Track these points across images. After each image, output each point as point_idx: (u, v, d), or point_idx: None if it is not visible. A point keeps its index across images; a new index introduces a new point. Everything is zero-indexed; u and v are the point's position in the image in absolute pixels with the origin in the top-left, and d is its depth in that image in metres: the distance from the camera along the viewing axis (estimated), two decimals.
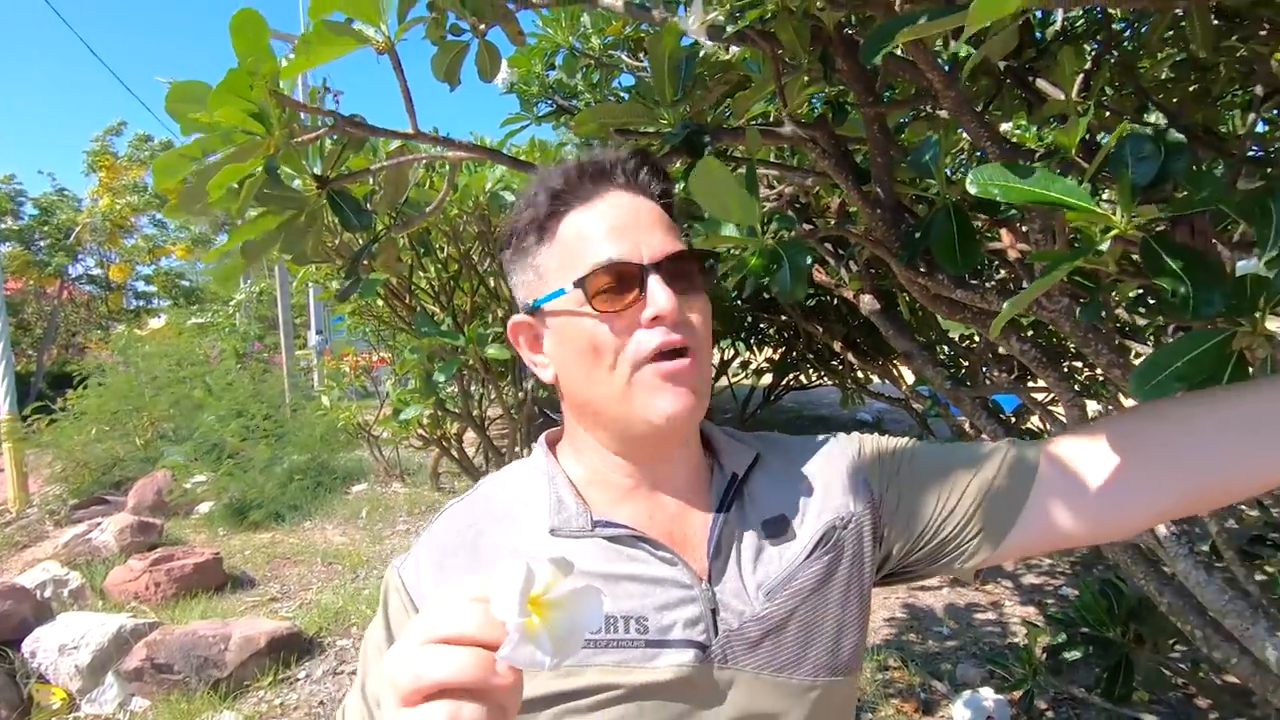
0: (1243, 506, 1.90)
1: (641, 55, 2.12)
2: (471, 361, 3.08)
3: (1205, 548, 1.42)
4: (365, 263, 1.68)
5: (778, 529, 0.73)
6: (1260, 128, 1.71)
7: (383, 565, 4.46)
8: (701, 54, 1.41)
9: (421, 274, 3.61)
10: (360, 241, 2.47)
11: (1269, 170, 1.63)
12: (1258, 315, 0.64)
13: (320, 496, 6.02)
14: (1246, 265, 0.97)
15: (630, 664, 0.64)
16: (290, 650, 3.31)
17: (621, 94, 2.43)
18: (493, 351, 2.88)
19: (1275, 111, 1.93)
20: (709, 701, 0.66)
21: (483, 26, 1.29)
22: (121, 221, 15.59)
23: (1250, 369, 0.67)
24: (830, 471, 0.78)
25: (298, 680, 3.20)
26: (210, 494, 5.99)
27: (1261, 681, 1.34)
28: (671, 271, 0.69)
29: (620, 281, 0.68)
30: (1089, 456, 0.69)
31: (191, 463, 6.47)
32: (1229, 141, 1.75)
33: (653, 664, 0.64)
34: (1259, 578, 1.41)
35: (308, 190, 1.31)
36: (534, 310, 0.74)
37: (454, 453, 4.63)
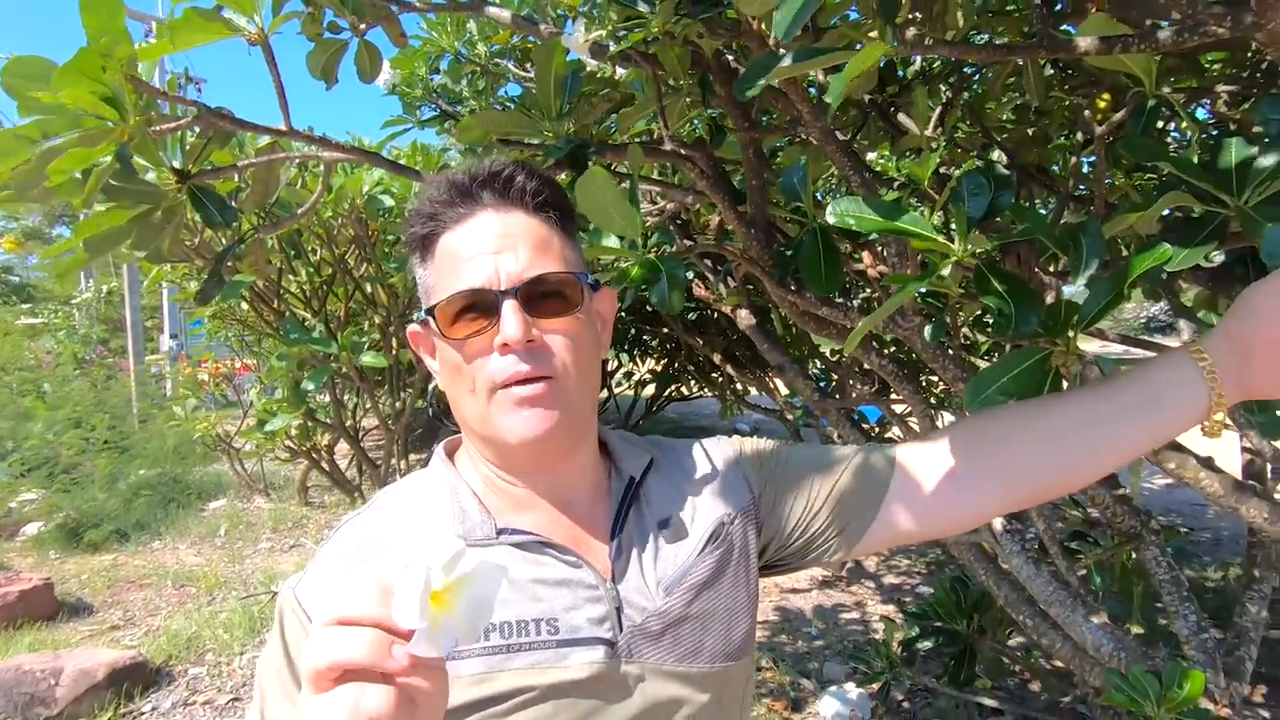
0: (1064, 506, 2.12)
1: (529, 66, 2.13)
2: (345, 370, 2.95)
3: (1035, 545, 1.58)
4: (229, 263, 1.59)
5: (672, 527, 0.78)
6: (1086, 168, 1.93)
7: (243, 587, 4.17)
8: (588, 70, 1.43)
9: (292, 277, 3.43)
10: (224, 241, 2.33)
11: (1089, 208, 1.84)
12: (1070, 335, 0.73)
13: (172, 514, 5.55)
14: (1070, 290, 1.09)
15: (544, 665, 0.66)
16: (134, 682, 3.04)
17: (508, 103, 2.42)
18: (368, 360, 2.78)
19: (1095, 156, 2.18)
20: (618, 695, 0.68)
21: (363, 26, 1.26)
22: None
23: (1065, 383, 0.76)
24: (715, 472, 0.84)
25: (143, 715, 2.94)
26: (40, 513, 5.39)
27: (1080, 663, 1.50)
28: (532, 294, 0.69)
29: (475, 309, 0.69)
30: (930, 462, 0.76)
31: (16, 479, 5.81)
32: (1058, 180, 1.96)
33: (565, 663, 0.67)
34: (1080, 572, 1.58)
35: (165, 184, 1.22)
36: (422, 322, 0.76)
37: (324, 465, 4.41)
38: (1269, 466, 1.42)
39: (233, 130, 1.13)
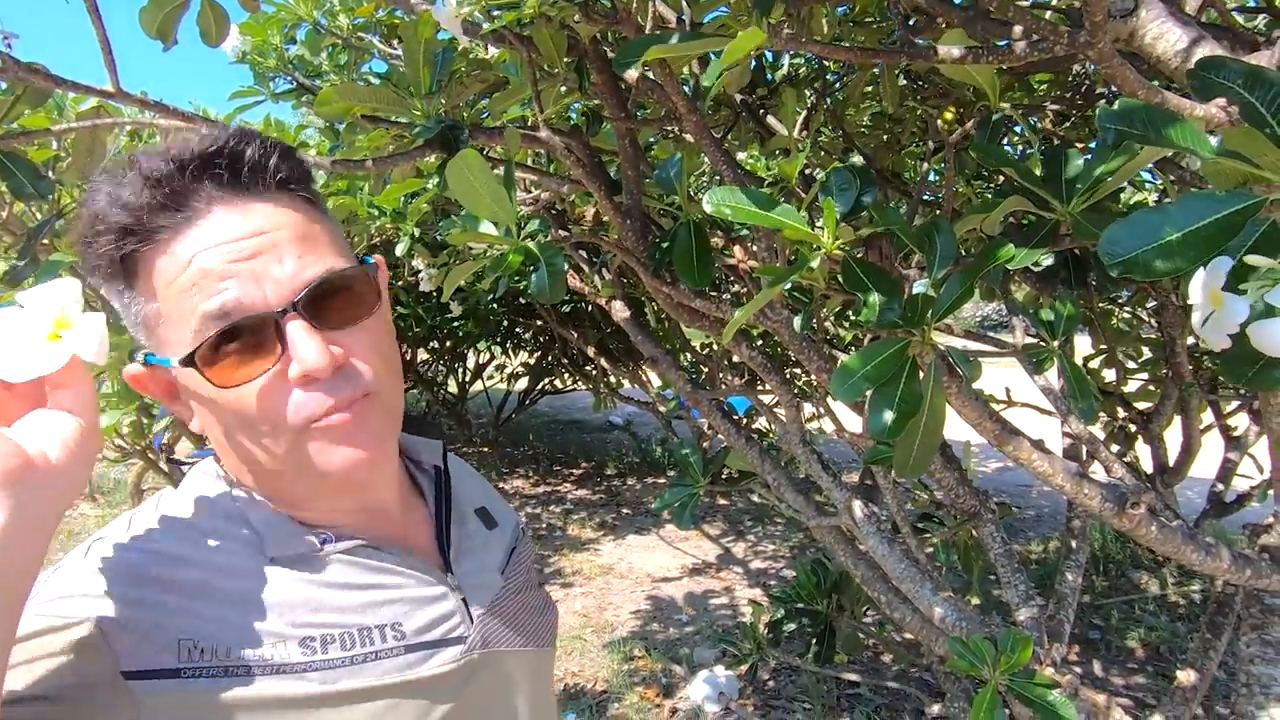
0: (914, 489, 2.28)
1: (395, 43, 2.03)
2: None
3: (889, 525, 1.69)
4: (45, 241, 1.41)
5: (485, 517, 0.77)
6: (932, 177, 2.07)
7: None
8: (460, 48, 1.38)
9: None
10: (39, 215, 2.08)
11: (937, 211, 1.98)
12: (926, 327, 0.77)
13: None
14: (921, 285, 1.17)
15: (394, 671, 0.60)
16: None
17: (372, 79, 2.30)
18: None
19: (943, 164, 2.35)
20: (469, 687, 0.65)
21: None
22: None
23: (921, 373, 0.80)
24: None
25: None
26: None
27: (927, 634, 1.62)
28: (316, 305, 0.55)
29: (246, 342, 0.54)
30: None
31: None
32: (910, 185, 2.09)
33: (417, 670, 0.62)
34: (928, 550, 1.70)
35: None
36: (148, 365, 0.58)
37: (163, 465, 4.03)
38: (1084, 449, 1.58)
39: (48, 88, 1.00)
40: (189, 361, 0.54)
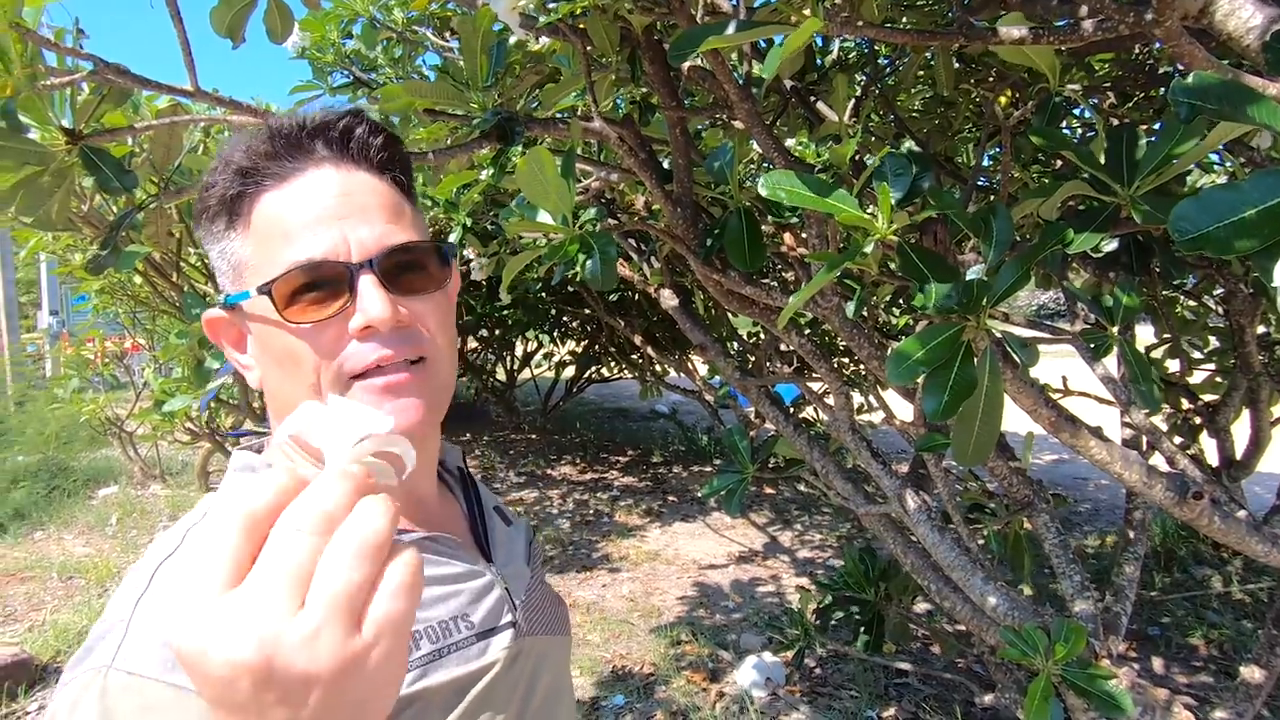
0: (965, 479, 2.25)
1: (448, 35, 2.07)
2: None
3: (939, 514, 1.67)
4: (124, 233, 1.49)
5: (501, 514, 0.80)
6: (986, 161, 2.03)
7: None
8: (514, 41, 1.41)
9: (192, 249, 3.23)
10: (116, 209, 2.17)
11: (991, 197, 1.94)
12: (981, 312, 0.77)
13: (56, 502, 5.18)
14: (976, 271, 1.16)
15: (471, 659, 0.64)
16: (17, 680, 2.84)
17: (426, 72, 2.35)
18: None
19: (997, 149, 2.30)
20: (527, 670, 0.69)
21: None
22: None
23: (975, 359, 0.80)
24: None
25: (28, 714, 2.75)
26: None
27: (978, 623, 1.60)
28: (391, 268, 0.58)
29: (321, 286, 0.57)
30: None
31: None
32: (963, 170, 2.06)
33: (486, 655, 0.65)
34: (979, 540, 1.68)
35: (54, 144, 1.13)
36: (229, 306, 0.63)
37: (228, 448, 4.20)
38: (1145, 440, 1.55)
39: (131, 87, 1.06)
40: (265, 290, 0.57)
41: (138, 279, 3.56)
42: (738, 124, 1.64)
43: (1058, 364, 2.20)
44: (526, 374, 7.87)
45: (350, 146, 0.61)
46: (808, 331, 2.12)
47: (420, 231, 0.64)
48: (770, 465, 2.01)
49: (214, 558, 0.35)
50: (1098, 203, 0.89)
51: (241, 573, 0.35)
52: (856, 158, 1.56)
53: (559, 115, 1.55)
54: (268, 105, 3.18)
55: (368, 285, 0.57)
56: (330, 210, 0.58)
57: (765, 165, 2.46)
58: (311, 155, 0.60)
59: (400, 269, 0.59)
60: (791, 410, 1.95)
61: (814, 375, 2.77)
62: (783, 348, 2.96)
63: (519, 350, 7.36)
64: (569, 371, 7.16)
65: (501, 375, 7.62)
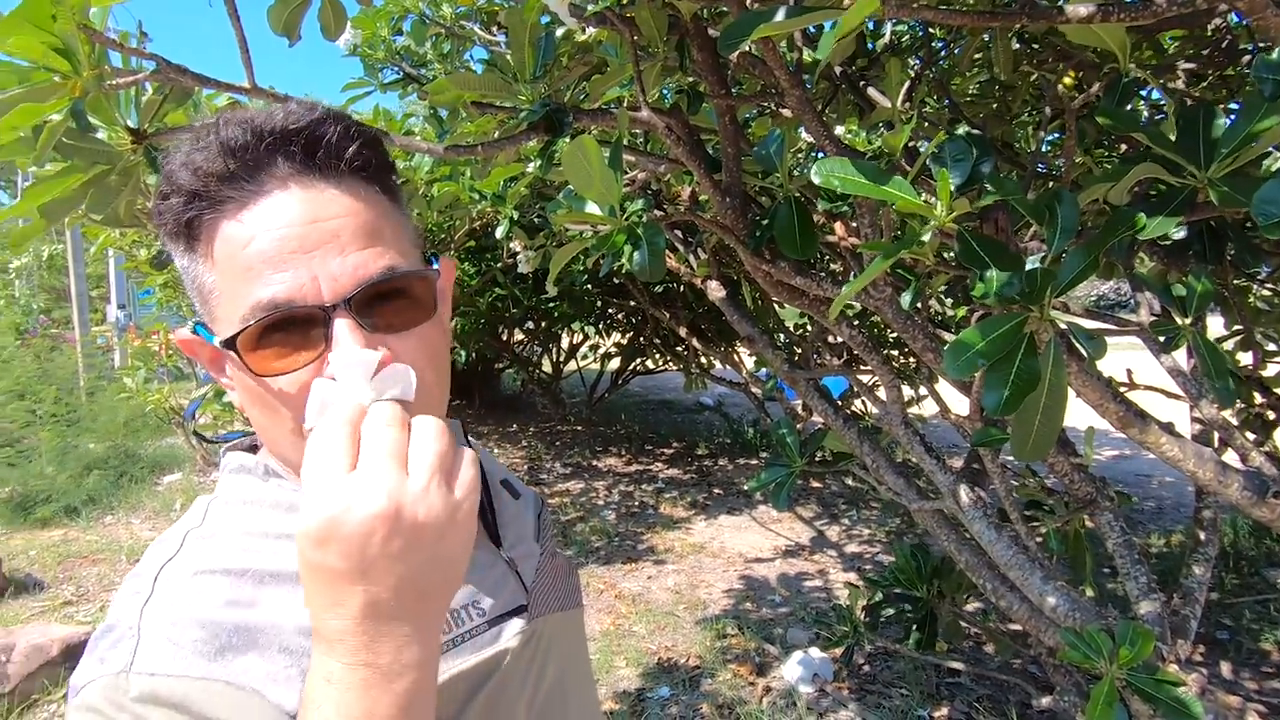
0: (1023, 475, 2.18)
1: (495, 29, 2.08)
2: None
3: (995, 511, 1.63)
4: None
5: (509, 489, 0.77)
6: (1044, 147, 1.96)
7: None
8: (561, 33, 1.40)
9: None
10: None
11: (1050, 184, 1.87)
12: (1045, 303, 0.74)
13: (125, 488, 5.41)
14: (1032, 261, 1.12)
15: (484, 645, 0.63)
16: None
17: (474, 67, 2.37)
18: None
19: (1057, 134, 2.22)
20: (540, 651, 0.68)
21: None
22: None
23: (1039, 350, 0.77)
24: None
25: None
26: None
27: (1036, 624, 1.56)
28: (369, 302, 0.53)
29: (291, 331, 0.52)
30: None
31: None
32: (1022, 156, 1.99)
33: (499, 641, 0.64)
34: (1037, 539, 1.63)
35: (120, 143, 1.17)
36: (198, 334, 0.58)
37: (219, 453, 4.32)
38: (1216, 435, 1.48)
39: (193, 86, 1.09)
40: (230, 344, 0.52)
41: None
42: (786, 112, 1.61)
43: (1118, 356, 2.11)
44: (572, 366, 7.92)
45: (317, 158, 0.54)
46: (856, 323, 2.08)
47: (405, 245, 0.57)
48: (818, 459, 1.98)
49: (331, 452, 0.44)
50: (1170, 186, 0.85)
51: (354, 460, 0.44)
52: (910, 144, 1.52)
53: (606, 106, 1.54)
54: (321, 102, 3.24)
55: (342, 330, 0.51)
56: (295, 242, 0.52)
57: (813, 154, 2.41)
58: (272, 173, 0.53)
59: (380, 302, 0.53)
60: (839, 405, 1.91)
61: (864, 368, 2.72)
62: (830, 340, 2.91)
63: (564, 342, 7.41)
64: (614, 363, 7.18)
65: (547, 367, 7.68)
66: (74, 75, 0.91)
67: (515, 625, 0.66)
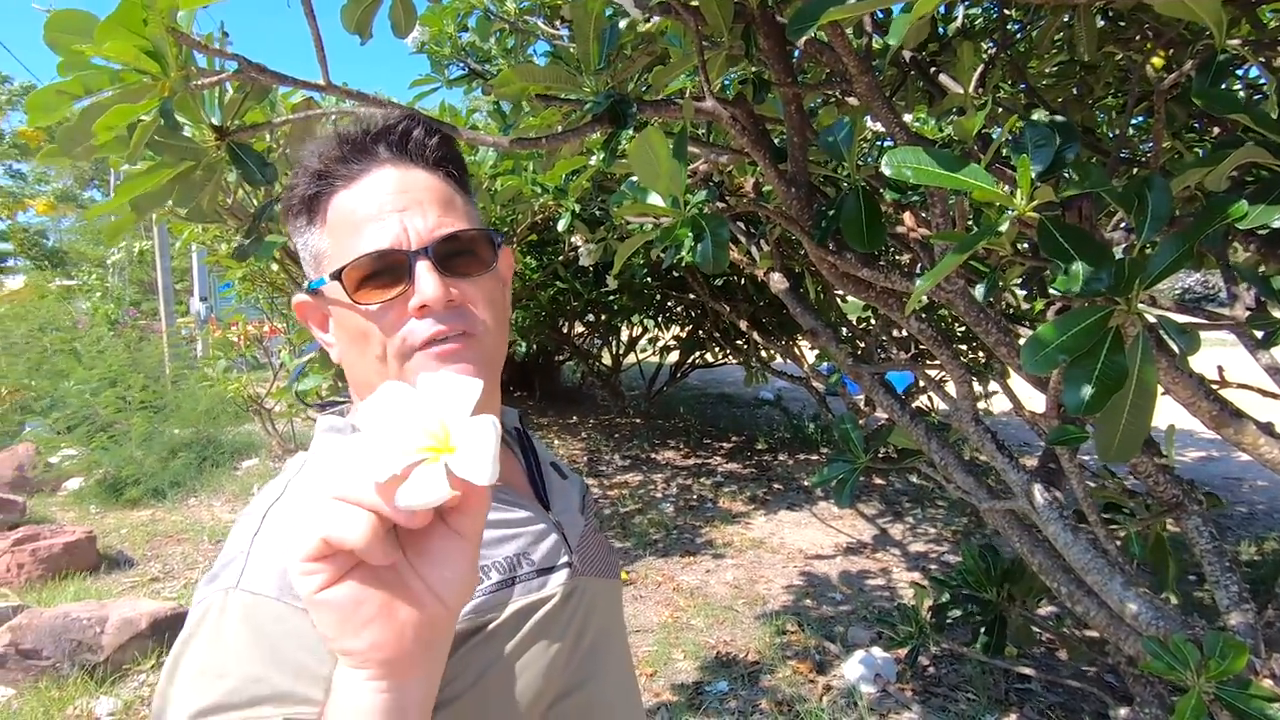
0: (1102, 475, 2.09)
1: (558, 23, 2.09)
2: None
3: (1072, 513, 1.56)
4: (265, 223, 1.59)
5: (558, 469, 0.88)
6: (1129, 131, 1.86)
7: None
8: (624, 24, 1.40)
9: None
10: (257, 201, 2.33)
11: (1135, 170, 1.78)
12: (1133, 294, 0.70)
13: (206, 472, 5.69)
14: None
15: (533, 591, 0.71)
16: (176, 631, 3.14)
17: (537, 61, 2.38)
18: None
19: (1142, 118, 2.10)
20: (581, 607, 0.75)
21: None
22: None
23: (1125, 345, 0.73)
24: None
25: None
26: (80, 469, 5.55)
27: (1115, 631, 1.49)
28: (444, 254, 0.66)
29: (384, 272, 0.66)
30: None
31: (58, 435, 5.97)
32: (1104, 141, 1.89)
33: (546, 588, 0.72)
34: (1116, 542, 1.56)
35: (204, 141, 1.22)
36: (312, 291, 0.72)
37: (314, 415, 4.47)
38: None
39: (271, 84, 1.12)
40: (337, 276, 0.65)
41: (275, 266, 3.83)
42: (852, 100, 1.57)
43: (1208, 353, 2.00)
44: (631, 359, 7.94)
45: (408, 147, 0.70)
46: (924, 316, 2.02)
47: (471, 221, 0.71)
48: (881, 455, 1.93)
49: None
50: (1272, 172, 0.79)
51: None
52: (983, 131, 1.46)
53: (670, 97, 1.53)
54: (390, 99, 3.32)
55: (423, 270, 0.65)
56: (391, 204, 0.67)
57: (880, 144, 2.35)
58: (375, 157, 0.69)
59: (452, 254, 0.67)
60: (904, 400, 1.86)
61: (932, 362, 2.65)
62: (896, 334, 2.84)
63: (624, 335, 7.44)
64: (673, 357, 7.17)
65: (607, 360, 7.73)
66: (163, 76, 0.96)
67: (560, 577, 0.73)
